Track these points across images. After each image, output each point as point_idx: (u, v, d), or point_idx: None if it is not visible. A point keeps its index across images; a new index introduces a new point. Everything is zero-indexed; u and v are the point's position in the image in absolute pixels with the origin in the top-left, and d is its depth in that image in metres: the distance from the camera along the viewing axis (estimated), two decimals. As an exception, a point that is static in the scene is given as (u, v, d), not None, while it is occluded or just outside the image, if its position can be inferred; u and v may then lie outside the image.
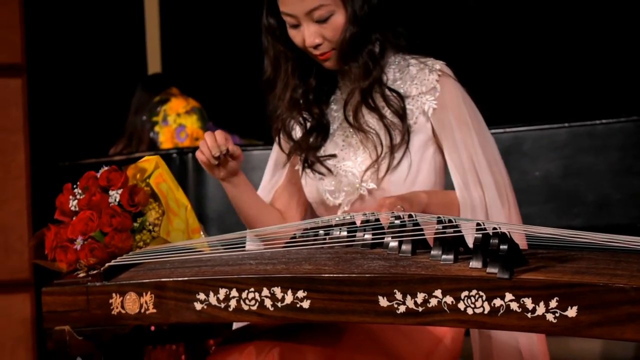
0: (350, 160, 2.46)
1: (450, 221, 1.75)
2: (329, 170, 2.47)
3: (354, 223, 2.00)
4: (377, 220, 1.96)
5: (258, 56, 2.60)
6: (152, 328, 2.53)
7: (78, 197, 2.17)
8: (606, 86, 5.29)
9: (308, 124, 2.51)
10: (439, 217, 1.78)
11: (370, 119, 2.43)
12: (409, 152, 2.41)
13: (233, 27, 5.96)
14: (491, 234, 1.66)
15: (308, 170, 2.51)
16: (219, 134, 2.39)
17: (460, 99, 2.42)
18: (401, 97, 2.41)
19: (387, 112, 2.41)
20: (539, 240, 1.79)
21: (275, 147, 2.62)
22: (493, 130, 2.49)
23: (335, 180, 2.46)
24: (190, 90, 4.88)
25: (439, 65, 2.44)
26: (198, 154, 2.41)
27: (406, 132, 2.40)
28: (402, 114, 2.40)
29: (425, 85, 2.41)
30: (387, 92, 2.41)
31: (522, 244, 1.89)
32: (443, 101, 2.41)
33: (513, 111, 4.62)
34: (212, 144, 2.37)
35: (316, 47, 2.37)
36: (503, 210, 2.38)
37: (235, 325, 2.39)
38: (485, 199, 2.38)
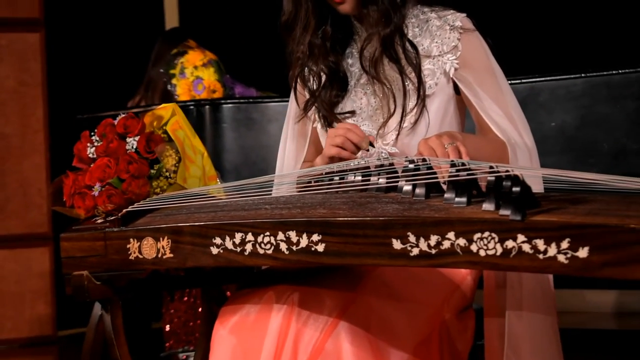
0: (369, 121, 2.42)
1: (463, 164, 1.76)
2: None
3: (368, 168, 2.01)
4: (391, 164, 1.97)
5: (275, 9, 2.58)
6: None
7: (95, 144, 2.19)
8: (623, 36, 5.26)
9: (323, 76, 2.46)
10: (452, 161, 1.79)
11: (389, 73, 2.38)
12: (427, 112, 2.36)
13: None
14: (504, 176, 1.66)
15: (328, 129, 2.45)
16: (358, 128, 2.28)
17: (482, 51, 2.37)
18: (418, 55, 2.36)
19: (407, 69, 2.36)
20: (554, 184, 1.80)
21: (292, 102, 2.57)
22: (509, 81, 2.47)
23: None
24: (207, 43, 4.88)
25: (459, 21, 2.37)
26: (339, 151, 2.25)
27: (423, 92, 2.35)
28: (419, 73, 2.35)
29: (446, 45, 2.36)
30: (408, 46, 2.35)
31: (540, 187, 1.90)
32: (465, 59, 2.36)
33: (529, 62, 4.62)
34: (361, 137, 2.24)
35: None
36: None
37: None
38: (529, 145, 2.31)
